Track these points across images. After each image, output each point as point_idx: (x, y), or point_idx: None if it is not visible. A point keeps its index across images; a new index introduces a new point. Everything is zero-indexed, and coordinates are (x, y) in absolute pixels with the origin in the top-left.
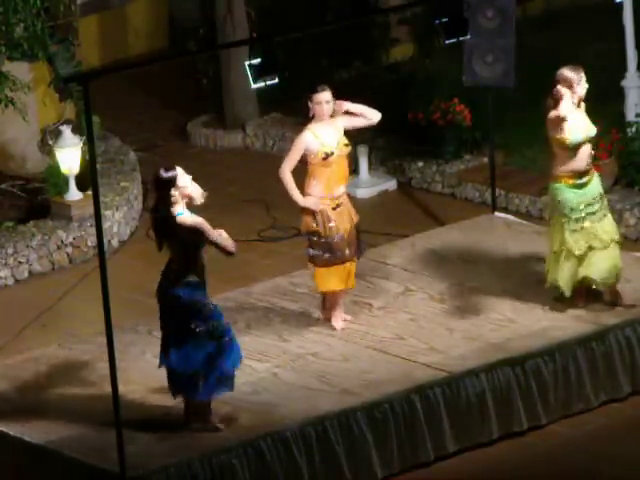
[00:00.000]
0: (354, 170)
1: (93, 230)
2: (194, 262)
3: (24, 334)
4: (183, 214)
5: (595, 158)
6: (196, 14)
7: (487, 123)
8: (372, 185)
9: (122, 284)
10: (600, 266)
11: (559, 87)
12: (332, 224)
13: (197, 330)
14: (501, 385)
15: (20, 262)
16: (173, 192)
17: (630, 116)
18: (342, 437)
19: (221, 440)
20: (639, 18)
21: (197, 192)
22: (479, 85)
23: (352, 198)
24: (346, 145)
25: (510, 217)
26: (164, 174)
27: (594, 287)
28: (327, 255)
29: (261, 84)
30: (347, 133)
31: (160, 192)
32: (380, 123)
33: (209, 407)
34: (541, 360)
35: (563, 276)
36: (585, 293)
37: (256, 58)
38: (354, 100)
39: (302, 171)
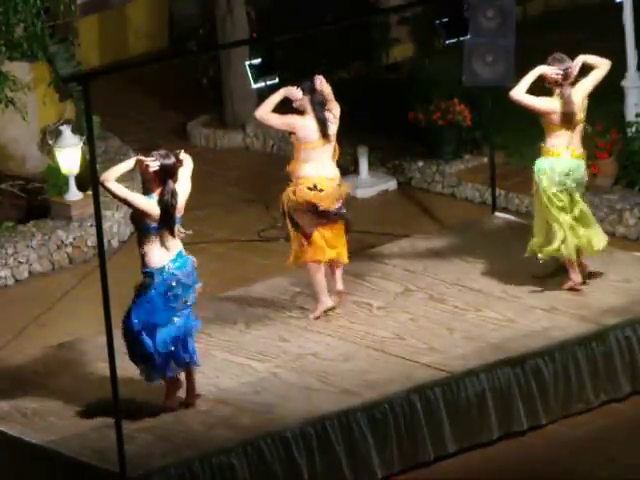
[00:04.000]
0: (354, 170)
1: (93, 230)
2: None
3: (24, 334)
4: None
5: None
6: (196, 14)
7: (487, 123)
8: (372, 185)
9: (122, 284)
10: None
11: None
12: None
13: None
14: (501, 385)
15: (20, 262)
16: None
17: (630, 116)
18: (342, 437)
19: (221, 440)
20: (639, 18)
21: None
22: (479, 85)
23: (352, 198)
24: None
25: (510, 217)
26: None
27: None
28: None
29: (261, 84)
30: (347, 133)
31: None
32: (380, 123)
33: (169, 389)
34: (541, 360)
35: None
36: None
37: (256, 58)
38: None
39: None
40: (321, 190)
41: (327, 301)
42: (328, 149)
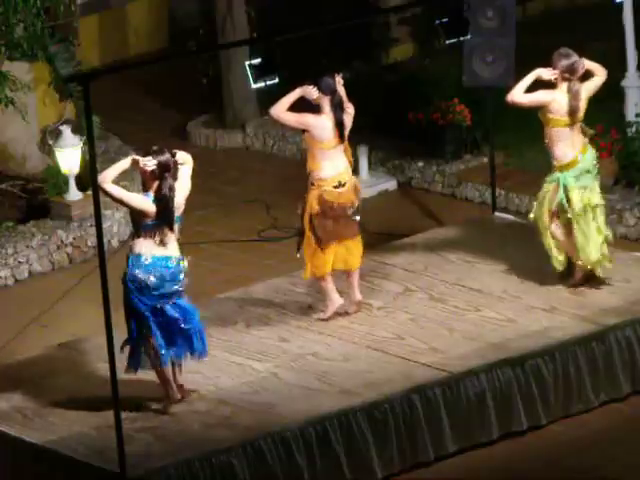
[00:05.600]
0: (354, 170)
1: (93, 230)
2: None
3: (24, 334)
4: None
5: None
6: (196, 14)
7: (487, 123)
8: (372, 185)
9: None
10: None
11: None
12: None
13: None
14: (501, 385)
15: (20, 262)
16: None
17: (630, 116)
18: (342, 437)
19: (221, 440)
20: (639, 18)
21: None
22: (479, 85)
23: None
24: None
25: (510, 217)
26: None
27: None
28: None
29: (261, 84)
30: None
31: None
32: (380, 123)
33: (167, 385)
34: (541, 360)
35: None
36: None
37: (256, 58)
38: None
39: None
40: (344, 184)
41: (338, 299)
42: (342, 146)
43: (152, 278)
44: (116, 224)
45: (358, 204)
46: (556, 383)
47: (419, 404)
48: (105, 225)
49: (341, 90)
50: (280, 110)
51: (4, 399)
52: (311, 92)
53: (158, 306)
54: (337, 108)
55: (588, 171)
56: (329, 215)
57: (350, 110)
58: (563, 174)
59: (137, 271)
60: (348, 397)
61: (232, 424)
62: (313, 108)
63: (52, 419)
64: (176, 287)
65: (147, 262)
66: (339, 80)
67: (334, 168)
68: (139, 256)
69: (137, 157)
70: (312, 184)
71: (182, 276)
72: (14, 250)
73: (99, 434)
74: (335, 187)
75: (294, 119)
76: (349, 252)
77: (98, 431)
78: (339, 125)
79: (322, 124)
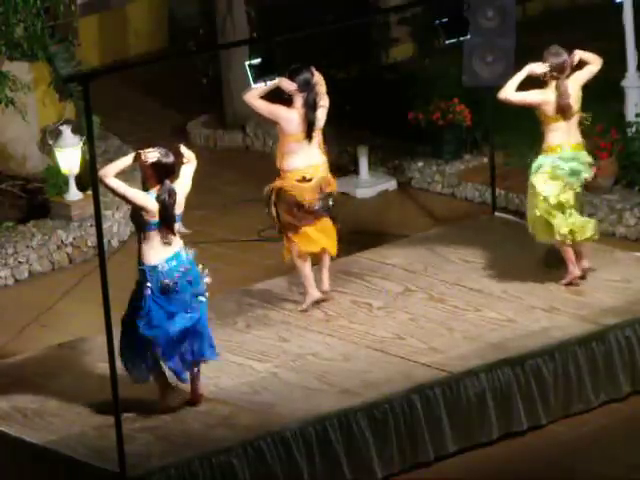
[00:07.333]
0: (354, 170)
1: (93, 230)
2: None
3: (24, 334)
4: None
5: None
6: (196, 14)
7: (487, 123)
8: (372, 185)
9: (122, 284)
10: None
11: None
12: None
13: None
14: (501, 385)
15: (20, 262)
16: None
17: (630, 116)
18: (342, 437)
19: (221, 440)
20: (639, 18)
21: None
22: (479, 85)
23: (352, 198)
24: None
25: (510, 217)
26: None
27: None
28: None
29: (261, 84)
30: (347, 133)
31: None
32: (380, 123)
33: (163, 391)
34: (541, 360)
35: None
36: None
37: (256, 58)
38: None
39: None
40: (310, 180)
41: (314, 293)
42: (313, 142)
43: (176, 279)
44: (116, 224)
45: (327, 199)
46: (556, 383)
47: (419, 404)
48: (105, 225)
49: (321, 83)
50: (253, 96)
51: (4, 399)
52: (287, 85)
53: (187, 311)
54: (309, 107)
55: (575, 173)
56: (288, 206)
57: (324, 103)
58: (545, 157)
59: (162, 279)
60: (348, 397)
61: (232, 424)
62: (286, 99)
63: (52, 419)
64: (204, 280)
65: (164, 269)
66: (318, 75)
67: (301, 161)
68: (154, 267)
69: (140, 151)
70: (279, 175)
71: (194, 264)
72: (14, 250)
73: (99, 434)
74: (298, 181)
75: (265, 108)
76: (321, 236)
77: (98, 431)
78: (308, 124)
79: (290, 117)
